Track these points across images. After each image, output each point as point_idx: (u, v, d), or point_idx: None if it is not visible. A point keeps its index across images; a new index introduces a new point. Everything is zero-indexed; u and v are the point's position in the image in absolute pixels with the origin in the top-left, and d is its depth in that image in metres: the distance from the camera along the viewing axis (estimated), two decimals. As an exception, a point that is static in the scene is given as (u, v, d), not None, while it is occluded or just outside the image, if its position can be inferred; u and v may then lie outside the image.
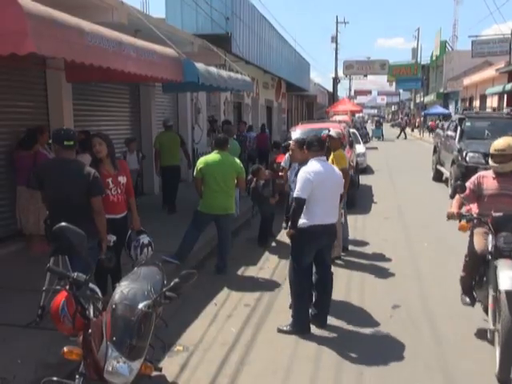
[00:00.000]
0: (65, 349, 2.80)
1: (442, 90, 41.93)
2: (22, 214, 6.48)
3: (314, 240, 4.56)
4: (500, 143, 4.53)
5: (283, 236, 8.14)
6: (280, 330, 4.62)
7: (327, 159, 6.77)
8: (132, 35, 6.41)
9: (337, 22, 48.82)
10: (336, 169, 4.91)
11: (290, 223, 4.62)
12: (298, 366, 4.03)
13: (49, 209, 4.39)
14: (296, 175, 4.91)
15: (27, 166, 6.13)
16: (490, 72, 27.80)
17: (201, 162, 6.25)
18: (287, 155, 8.46)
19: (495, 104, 26.71)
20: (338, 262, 6.58)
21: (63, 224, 2.95)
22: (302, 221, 4.52)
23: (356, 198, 10.07)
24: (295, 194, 4.49)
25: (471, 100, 32.97)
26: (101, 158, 4.65)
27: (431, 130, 41.34)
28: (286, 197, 8.19)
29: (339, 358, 4.14)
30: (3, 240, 6.81)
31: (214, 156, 6.25)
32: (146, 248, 4.86)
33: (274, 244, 7.69)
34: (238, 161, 6.41)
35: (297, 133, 12.28)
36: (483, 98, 29.46)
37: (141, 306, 2.73)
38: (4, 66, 6.53)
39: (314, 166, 4.58)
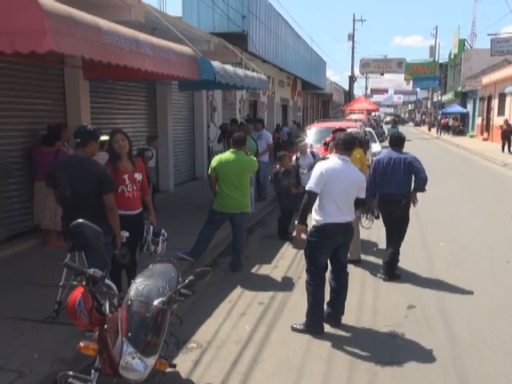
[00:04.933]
0: (81, 344, 2.83)
1: (459, 89, 41.41)
2: (38, 209, 6.57)
3: (329, 239, 4.52)
4: None
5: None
6: (294, 329, 4.62)
7: None
8: (149, 33, 6.45)
9: (354, 20, 48.68)
10: (358, 171, 4.77)
11: (298, 217, 4.57)
12: (311, 365, 4.02)
13: (63, 206, 4.44)
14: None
15: (49, 162, 6.20)
16: (509, 70, 27.41)
17: (215, 160, 6.24)
18: (294, 157, 8.42)
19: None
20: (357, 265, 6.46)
21: (80, 220, 2.98)
22: (317, 218, 4.50)
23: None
24: (307, 186, 4.49)
25: (490, 99, 32.51)
26: (121, 154, 4.69)
27: (443, 127, 40.92)
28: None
29: (353, 358, 4.13)
30: (21, 235, 6.91)
31: (228, 155, 6.22)
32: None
33: (288, 242, 7.68)
34: (253, 159, 6.40)
35: (312, 131, 12.28)
36: (502, 97, 29.05)
37: (156, 302, 2.75)
38: (23, 63, 6.63)
39: (330, 161, 4.57)
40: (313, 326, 4.56)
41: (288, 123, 24.57)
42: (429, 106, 57.75)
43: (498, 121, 29.03)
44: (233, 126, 11.45)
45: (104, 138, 4.86)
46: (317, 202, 4.53)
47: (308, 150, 8.35)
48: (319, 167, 4.50)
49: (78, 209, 3.97)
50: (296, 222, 4.57)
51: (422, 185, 5.93)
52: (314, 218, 4.55)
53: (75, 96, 7.74)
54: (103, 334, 2.77)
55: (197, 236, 6.35)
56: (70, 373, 2.87)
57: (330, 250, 4.59)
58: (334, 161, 4.56)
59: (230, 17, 12.99)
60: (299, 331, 4.57)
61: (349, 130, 6.87)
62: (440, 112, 43.98)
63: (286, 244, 7.64)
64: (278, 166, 8.03)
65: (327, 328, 4.62)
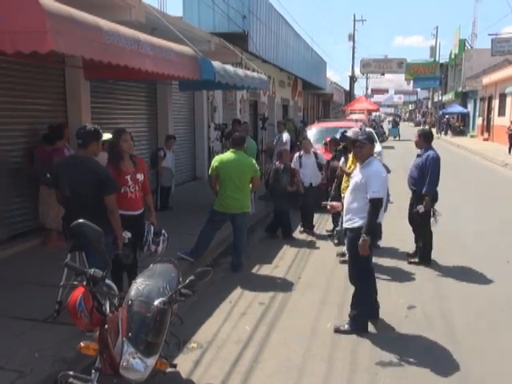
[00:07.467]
0: (81, 344, 2.83)
1: (460, 89, 41.40)
2: (44, 208, 6.56)
3: (376, 237, 4.54)
4: None
5: (297, 235, 8.15)
6: (337, 330, 4.55)
7: (346, 159, 6.79)
8: (149, 33, 6.46)
9: (354, 20, 48.64)
10: None
11: (365, 230, 4.27)
12: (311, 365, 4.02)
13: (64, 206, 4.44)
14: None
15: (47, 160, 6.21)
16: (509, 70, 27.38)
17: (216, 160, 6.25)
18: (295, 156, 8.40)
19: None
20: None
21: (81, 220, 2.98)
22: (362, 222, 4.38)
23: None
24: (375, 194, 4.25)
25: (490, 99, 32.50)
26: (124, 154, 4.69)
27: (447, 127, 40.88)
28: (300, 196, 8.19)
29: (353, 358, 4.12)
30: (22, 235, 6.91)
31: (229, 155, 6.23)
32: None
33: (289, 243, 7.68)
34: (253, 161, 6.40)
35: (313, 131, 12.26)
36: (503, 97, 29.02)
37: (156, 302, 2.75)
38: (24, 64, 6.63)
39: (381, 165, 4.55)
40: (362, 324, 4.58)
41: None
42: (429, 106, 57.69)
43: (498, 121, 29.02)
44: (235, 125, 11.46)
45: (106, 136, 4.84)
46: (361, 204, 4.39)
47: (312, 150, 8.35)
48: (383, 173, 4.39)
49: (79, 209, 3.98)
50: (365, 235, 4.25)
51: None
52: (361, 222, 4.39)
53: (76, 96, 7.75)
54: (104, 334, 2.77)
55: (197, 236, 6.36)
56: (71, 373, 2.88)
57: None
58: (380, 163, 4.55)
59: (231, 17, 12.98)
60: (344, 332, 4.51)
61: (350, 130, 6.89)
62: (441, 112, 43.95)
63: (286, 244, 7.64)
64: (277, 162, 7.99)
65: (328, 328, 4.63)
